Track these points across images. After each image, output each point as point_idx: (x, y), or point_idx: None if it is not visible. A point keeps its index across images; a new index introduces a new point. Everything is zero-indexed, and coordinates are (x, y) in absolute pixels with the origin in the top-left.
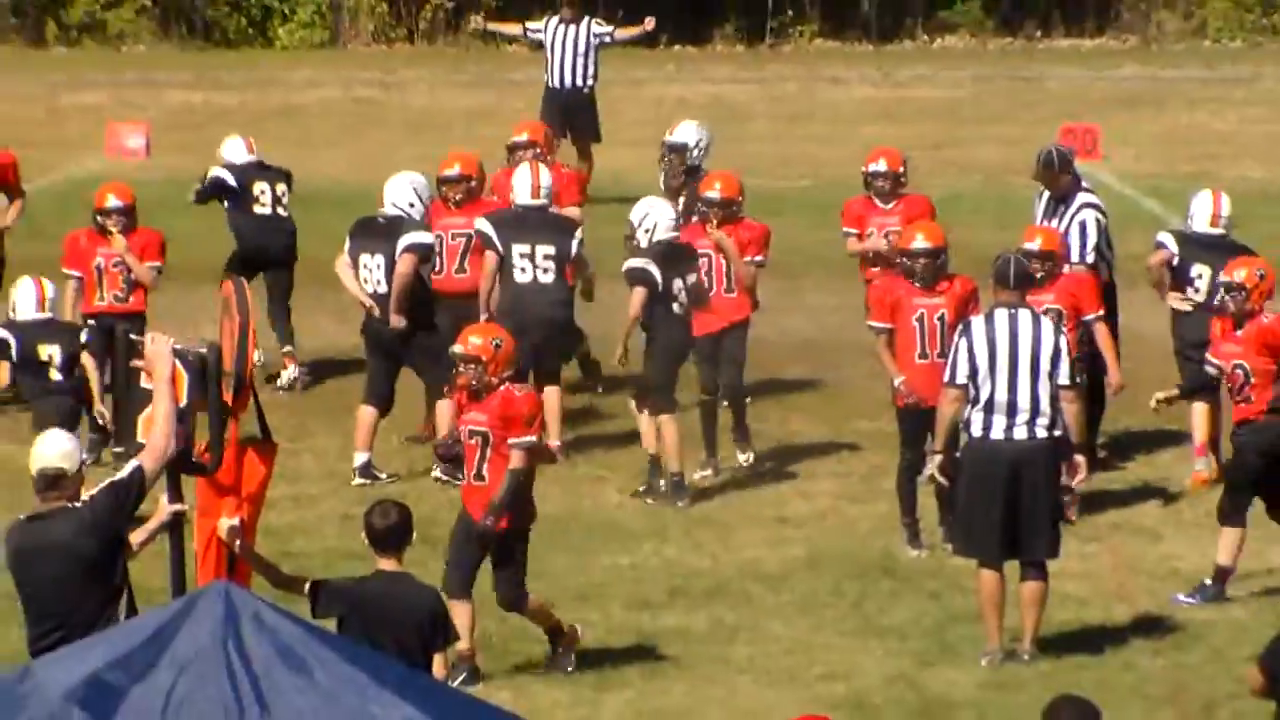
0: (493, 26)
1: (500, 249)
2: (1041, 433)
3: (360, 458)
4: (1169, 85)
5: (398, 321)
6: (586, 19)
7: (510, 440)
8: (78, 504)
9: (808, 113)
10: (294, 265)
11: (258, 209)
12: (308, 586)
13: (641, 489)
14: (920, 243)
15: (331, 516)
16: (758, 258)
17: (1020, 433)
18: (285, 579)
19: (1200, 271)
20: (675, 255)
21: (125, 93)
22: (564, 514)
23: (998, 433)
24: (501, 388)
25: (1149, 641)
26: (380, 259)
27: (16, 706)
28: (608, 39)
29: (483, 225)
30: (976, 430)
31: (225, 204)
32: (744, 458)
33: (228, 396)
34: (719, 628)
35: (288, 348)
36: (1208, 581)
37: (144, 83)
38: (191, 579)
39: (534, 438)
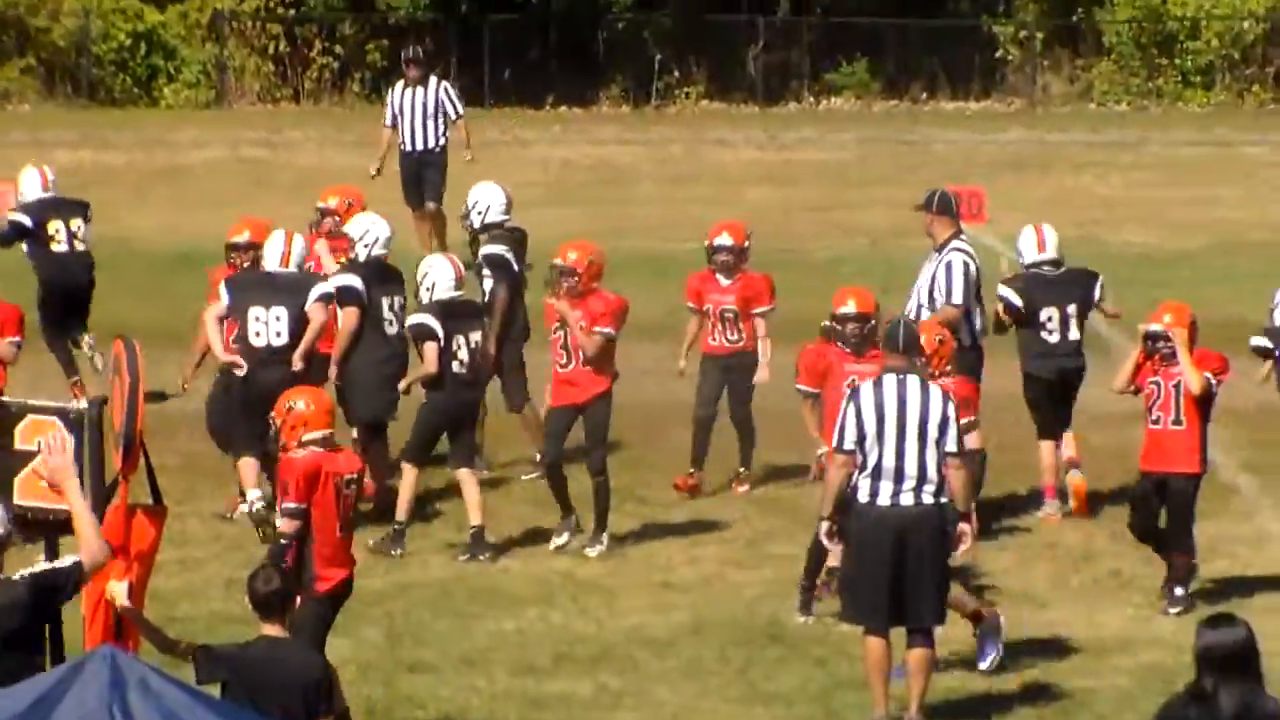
0: (381, 162)
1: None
2: (928, 499)
3: (254, 493)
4: (1054, 149)
5: (299, 364)
6: (433, 81)
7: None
8: (15, 577)
9: (693, 174)
10: (91, 298)
11: (55, 247)
12: (192, 651)
13: (378, 543)
14: (849, 308)
15: (217, 581)
16: (607, 330)
17: (907, 499)
18: (170, 643)
19: (1049, 314)
20: (457, 313)
21: (10, 152)
22: (448, 578)
23: (884, 499)
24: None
25: (1034, 709)
26: (280, 310)
27: None
28: (452, 114)
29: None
30: (863, 496)
31: (25, 244)
32: (593, 550)
33: (117, 458)
34: (604, 693)
35: (75, 378)
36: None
37: (30, 142)
38: (78, 643)
39: (291, 503)
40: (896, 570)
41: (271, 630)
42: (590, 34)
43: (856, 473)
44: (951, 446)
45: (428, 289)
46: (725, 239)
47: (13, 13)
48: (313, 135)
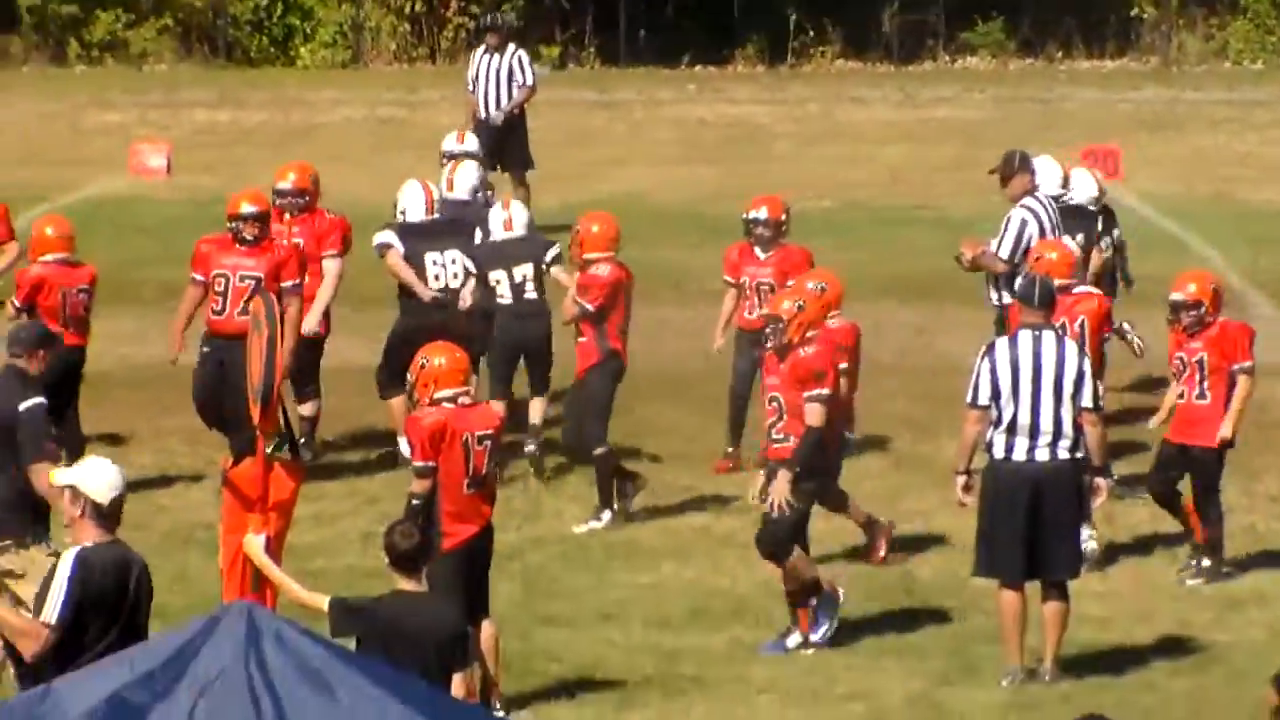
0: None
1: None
2: (1064, 454)
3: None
4: (1190, 107)
5: (467, 301)
6: (511, 48)
7: None
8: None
9: (829, 133)
10: None
11: None
12: (327, 604)
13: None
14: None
15: (353, 535)
16: (582, 302)
17: (1042, 454)
18: (304, 597)
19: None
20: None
21: (148, 112)
22: (585, 535)
23: (1020, 454)
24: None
25: (1169, 662)
26: (455, 254)
27: None
28: (520, 80)
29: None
30: (999, 452)
31: None
32: (583, 527)
33: (255, 410)
34: (739, 647)
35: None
36: (813, 601)
37: (167, 102)
38: (216, 596)
39: (418, 462)
40: (1032, 524)
41: (407, 585)
42: None
43: (991, 428)
44: (1087, 402)
45: (400, 212)
46: (761, 212)
47: None
48: (449, 94)
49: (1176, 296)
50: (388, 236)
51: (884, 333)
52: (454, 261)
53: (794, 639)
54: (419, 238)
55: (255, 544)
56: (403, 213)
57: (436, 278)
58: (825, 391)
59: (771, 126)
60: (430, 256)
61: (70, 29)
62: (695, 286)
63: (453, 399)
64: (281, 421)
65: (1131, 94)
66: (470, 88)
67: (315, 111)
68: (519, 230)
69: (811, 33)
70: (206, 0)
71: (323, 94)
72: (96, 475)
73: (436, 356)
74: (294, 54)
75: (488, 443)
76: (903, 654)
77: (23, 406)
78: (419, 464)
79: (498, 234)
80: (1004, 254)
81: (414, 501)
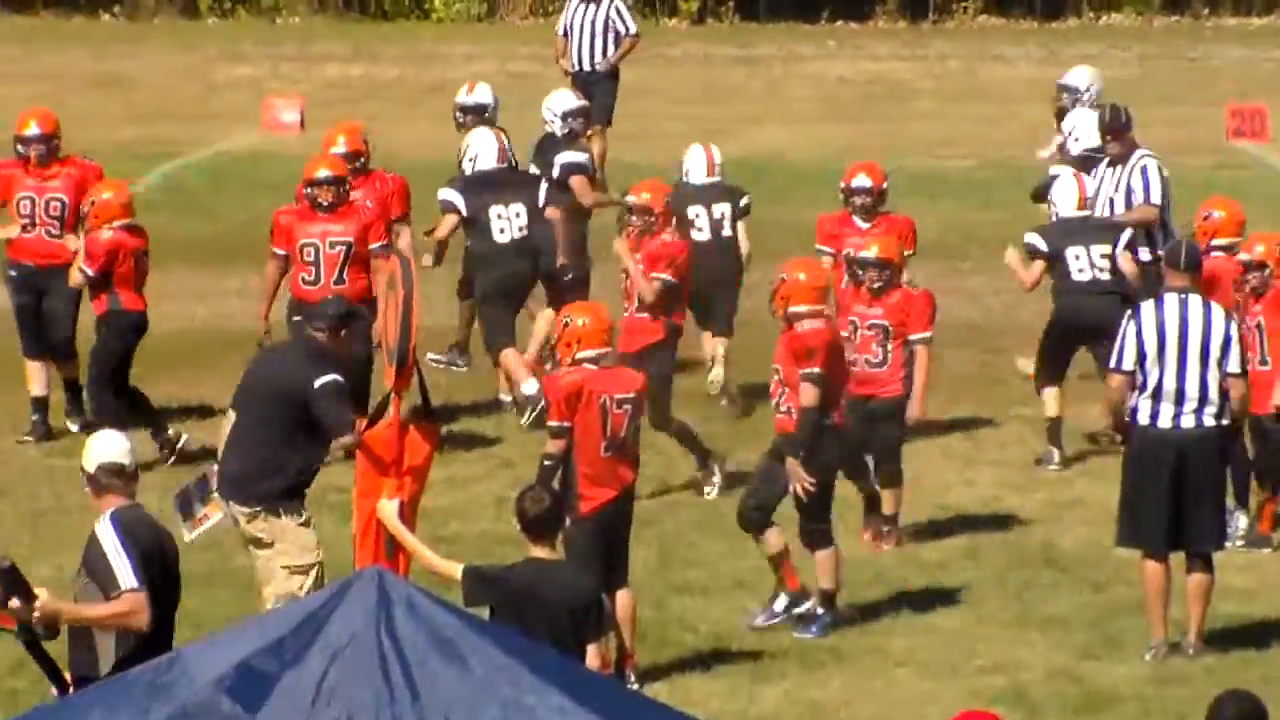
0: (564, 63)
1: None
2: (1209, 421)
3: (531, 385)
4: None
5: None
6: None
7: None
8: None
9: (971, 91)
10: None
11: None
12: (460, 572)
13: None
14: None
15: (487, 499)
16: (664, 276)
17: (1188, 421)
18: (437, 564)
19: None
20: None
21: (280, 65)
22: (720, 500)
23: (1165, 421)
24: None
25: None
26: (519, 206)
27: (164, 694)
28: (622, 31)
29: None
30: (1144, 418)
31: None
32: (708, 490)
33: (390, 373)
34: (876, 617)
35: None
36: (820, 611)
37: (299, 56)
38: (346, 563)
39: (554, 422)
40: (1176, 493)
41: (540, 552)
42: None
43: (1135, 394)
44: (1234, 367)
45: (470, 159)
46: (864, 180)
47: None
48: None
49: (1244, 257)
50: (450, 195)
51: (1025, 294)
52: (518, 215)
53: (781, 601)
54: (485, 189)
55: (389, 509)
56: (473, 160)
57: (502, 231)
58: (815, 370)
59: (912, 84)
60: (495, 210)
61: None
62: None
63: (594, 360)
64: (417, 384)
65: (1278, 53)
66: (561, 33)
67: (449, 66)
68: (716, 175)
69: None
70: None
71: (456, 48)
72: (88, 448)
73: (580, 316)
74: (428, 7)
75: (628, 406)
76: (1044, 626)
77: (317, 384)
78: (554, 424)
79: (698, 178)
80: (1154, 200)
81: (546, 462)
